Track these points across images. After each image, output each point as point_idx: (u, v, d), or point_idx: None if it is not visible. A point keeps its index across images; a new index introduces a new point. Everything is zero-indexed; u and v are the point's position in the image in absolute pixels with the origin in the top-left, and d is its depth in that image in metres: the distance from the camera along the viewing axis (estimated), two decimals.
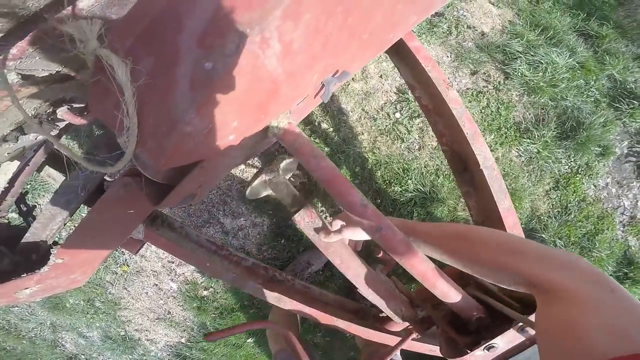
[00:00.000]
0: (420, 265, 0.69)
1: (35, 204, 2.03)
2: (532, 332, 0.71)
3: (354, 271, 0.88)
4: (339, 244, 0.84)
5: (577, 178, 2.17)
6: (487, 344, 0.74)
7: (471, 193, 1.20)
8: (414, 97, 1.34)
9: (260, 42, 0.41)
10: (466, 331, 0.80)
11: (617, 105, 2.37)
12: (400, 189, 2.01)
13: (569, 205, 2.16)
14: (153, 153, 0.46)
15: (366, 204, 0.68)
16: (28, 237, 0.86)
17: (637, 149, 2.34)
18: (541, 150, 2.10)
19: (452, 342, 0.81)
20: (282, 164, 0.98)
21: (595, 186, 2.24)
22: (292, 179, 0.95)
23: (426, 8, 0.75)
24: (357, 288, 0.90)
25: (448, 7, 2.51)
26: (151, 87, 0.41)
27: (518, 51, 2.35)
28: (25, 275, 0.76)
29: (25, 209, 1.17)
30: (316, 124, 2.07)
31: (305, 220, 0.80)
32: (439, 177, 2.04)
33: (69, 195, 0.85)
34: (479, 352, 0.75)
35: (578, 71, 2.40)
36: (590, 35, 2.71)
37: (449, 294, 0.74)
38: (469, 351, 0.75)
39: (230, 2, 0.38)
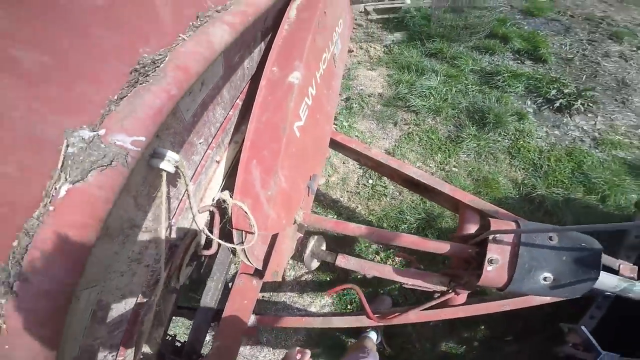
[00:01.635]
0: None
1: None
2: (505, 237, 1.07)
3: (397, 277, 1.32)
4: (377, 266, 1.35)
5: (521, 142, 2.54)
6: (487, 258, 1.05)
7: (432, 196, 1.59)
8: (364, 165, 1.88)
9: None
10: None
11: (494, 84, 3.01)
12: (405, 226, 2.25)
13: (535, 161, 2.47)
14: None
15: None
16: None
17: (538, 100, 2.89)
18: (478, 143, 2.50)
19: (472, 275, 1.14)
20: (313, 241, 1.37)
21: (540, 138, 2.61)
22: (322, 247, 1.44)
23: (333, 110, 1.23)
24: (403, 284, 1.31)
25: (348, 90, 3.13)
26: None
27: (405, 92, 2.96)
28: None
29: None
30: (323, 215, 2.37)
31: (343, 262, 1.32)
32: (425, 202, 2.32)
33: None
34: (490, 268, 1.06)
35: (449, 82, 3.07)
36: (433, 53, 3.54)
37: (440, 247, 1.23)
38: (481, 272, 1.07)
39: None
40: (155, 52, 0.67)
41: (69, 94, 0.54)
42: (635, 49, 3.68)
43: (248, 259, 1.13)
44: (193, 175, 0.97)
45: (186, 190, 0.82)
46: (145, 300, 0.92)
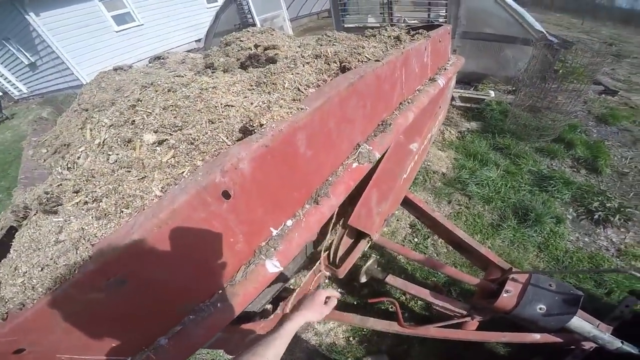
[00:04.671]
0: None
1: None
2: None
3: (431, 299, 1.94)
4: (417, 288, 1.98)
5: (552, 241, 3.15)
6: (505, 289, 1.63)
7: (470, 256, 2.21)
8: (421, 222, 2.57)
9: None
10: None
11: (545, 187, 3.66)
12: (435, 279, 2.80)
13: (558, 258, 3.02)
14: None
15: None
16: None
17: (579, 210, 3.45)
18: (514, 234, 3.22)
19: (490, 300, 1.69)
20: (371, 260, 2.06)
21: (570, 241, 3.18)
22: (376, 267, 2.07)
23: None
24: (434, 304, 1.92)
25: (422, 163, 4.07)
26: None
27: (466, 177, 3.78)
28: None
29: None
30: (368, 255, 3.18)
31: (391, 280, 1.96)
32: (455, 267, 2.83)
33: None
34: (505, 295, 1.63)
35: (507, 177, 3.81)
36: (500, 148, 4.27)
37: (472, 279, 1.92)
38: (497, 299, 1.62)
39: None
40: (388, 117, 1.48)
41: (365, 127, 1.35)
42: None
43: (335, 255, 1.73)
44: None
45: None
46: None
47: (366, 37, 1.89)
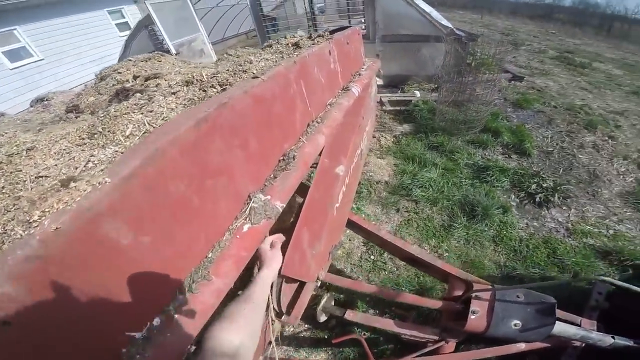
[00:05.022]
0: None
1: None
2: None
3: (397, 329, 1.74)
4: (380, 320, 1.76)
5: (504, 232, 3.10)
6: (471, 310, 1.49)
7: (427, 270, 2.06)
8: (371, 242, 2.39)
9: None
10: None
11: (484, 178, 3.66)
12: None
13: (515, 248, 2.98)
14: None
15: None
16: None
17: (520, 195, 3.48)
18: (467, 232, 3.10)
19: (458, 322, 1.56)
20: (326, 297, 1.85)
21: (521, 229, 3.15)
22: (332, 304, 1.85)
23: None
24: (402, 335, 1.73)
25: (360, 175, 3.85)
26: None
27: (408, 183, 3.64)
28: None
29: None
30: (327, 283, 2.82)
31: (351, 315, 1.75)
32: (419, 277, 2.79)
33: None
34: (473, 317, 1.48)
35: (446, 175, 3.76)
36: (435, 146, 4.26)
37: (435, 303, 1.77)
38: (466, 321, 1.49)
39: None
40: (290, 147, 1.11)
41: (256, 170, 0.93)
42: (606, 138, 4.27)
43: (279, 304, 1.38)
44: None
45: None
46: None
47: (262, 49, 1.57)
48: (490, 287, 1.66)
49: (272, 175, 1.00)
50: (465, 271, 2.81)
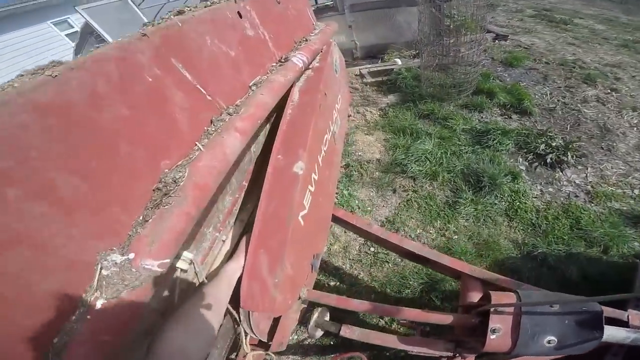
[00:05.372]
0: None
1: None
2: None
3: (403, 345, 1.38)
4: (381, 336, 1.41)
5: (517, 203, 2.67)
6: (490, 328, 1.12)
7: (434, 266, 1.69)
8: (366, 239, 2.02)
9: None
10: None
11: (486, 143, 3.22)
12: (409, 291, 2.28)
13: (533, 220, 2.57)
14: None
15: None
16: None
17: (529, 157, 3.06)
18: (476, 207, 2.65)
19: (476, 339, 1.22)
20: (317, 312, 1.47)
21: (536, 197, 2.73)
22: (326, 318, 1.50)
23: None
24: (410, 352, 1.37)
25: (347, 156, 3.36)
26: None
27: (402, 158, 3.16)
28: None
29: None
30: (326, 284, 2.43)
31: (347, 332, 1.40)
32: (427, 268, 2.32)
33: None
34: (493, 336, 1.13)
35: (443, 144, 3.29)
36: (426, 115, 3.80)
37: (443, 318, 1.30)
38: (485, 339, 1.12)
39: None
40: (175, 164, 0.75)
41: (100, 218, 0.60)
42: (609, 91, 3.91)
43: (254, 333, 1.14)
44: (200, 258, 1.00)
45: (199, 282, 0.92)
46: None
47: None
48: (513, 295, 1.22)
49: (141, 218, 0.65)
50: (480, 257, 2.41)
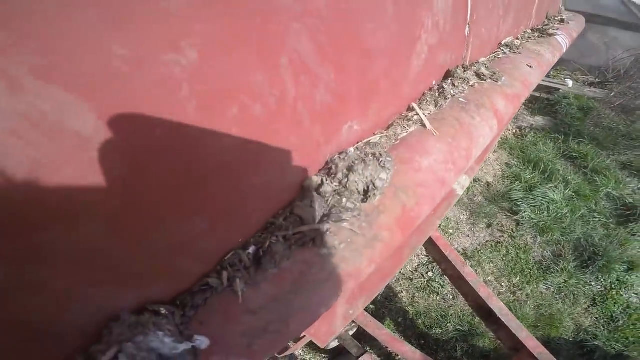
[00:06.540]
0: None
1: None
2: None
3: None
4: None
5: (613, 293, 2.46)
6: None
7: (498, 330, 1.68)
8: (441, 269, 1.92)
9: None
10: None
11: (625, 222, 2.79)
12: (441, 331, 2.23)
13: (614, 314, 2.37)
14: None
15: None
16: None
17: None
18: (567, 280, 2.50)
19: None
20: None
21: (636, 294, 2.47)
22: (349, 332, 1.48)
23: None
24: None
25: None
26: None
27: (519, 197, 2.96)
28: None
29: None
30: None
31: None
32: (475, 318, 2.25)
33: None
34: None
35: (576, 200, 2.94)
36: (573, 156, 3.31)
37: None
38: None
39: None
40: None
41: None
42: None
43: None
44: None
45: None
46: None
47: None
48: None
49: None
50: (534, 327, 2.26)
